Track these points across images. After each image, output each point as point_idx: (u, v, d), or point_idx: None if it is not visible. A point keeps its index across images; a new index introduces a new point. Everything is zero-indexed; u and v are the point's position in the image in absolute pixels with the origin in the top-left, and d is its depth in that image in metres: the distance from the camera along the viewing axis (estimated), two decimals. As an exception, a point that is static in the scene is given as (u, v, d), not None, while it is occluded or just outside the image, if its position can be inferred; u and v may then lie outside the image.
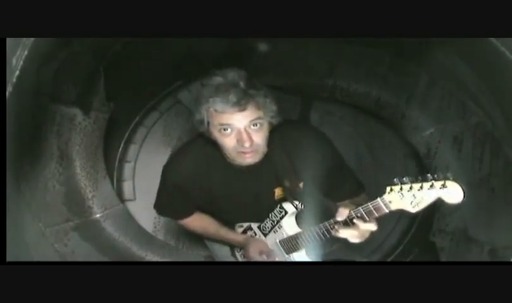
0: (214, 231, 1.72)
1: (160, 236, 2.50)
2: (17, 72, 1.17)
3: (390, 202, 1.11)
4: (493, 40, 1.26)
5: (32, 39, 1.19)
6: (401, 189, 1.08)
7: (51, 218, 1.94)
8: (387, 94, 2.31)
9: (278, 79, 2.44)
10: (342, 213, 1.21)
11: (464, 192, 1.02)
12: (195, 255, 2.45)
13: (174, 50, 2.10)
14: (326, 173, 1.41)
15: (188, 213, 1.70)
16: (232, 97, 1.22)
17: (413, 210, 1.09)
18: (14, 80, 1.17)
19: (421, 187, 1.05)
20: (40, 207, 1.90)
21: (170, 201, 1.64)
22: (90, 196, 2.15)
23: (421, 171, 2.44)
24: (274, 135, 1.38)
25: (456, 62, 1.81)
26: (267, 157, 1.39)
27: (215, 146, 1.41)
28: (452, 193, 1.03)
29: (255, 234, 1.67)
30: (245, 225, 1.70)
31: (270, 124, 1.34)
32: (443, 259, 2.14)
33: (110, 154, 2.37)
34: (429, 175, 1.06)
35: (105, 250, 2.13)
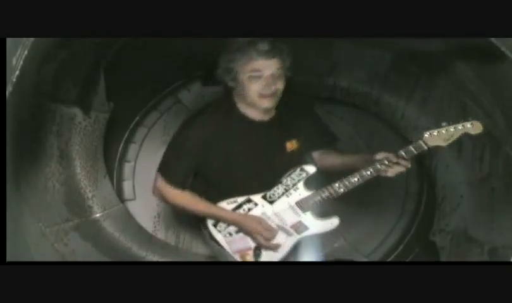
0: (203, 208, 1.66)
1: (160, 235, 2.49)
2: (17, 72, 1.18)
3: (429, 141, 1.47)
4: (493, 40, 1.26)
5: (32, 39, 1.19)
6: (438, 131, 1.46)
7: (51, 218, 1.94)
8: (387, 94, 2.31)
9: (278, 79, 2.43)
10: (381, 154, 1.57)
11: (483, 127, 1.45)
12: (195, 255, 2.45)
13: (174, 50, 2.10)
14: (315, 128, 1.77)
15: (186, 179, 1.67)
16: (264, 46, 1.50)
17: (445, 144, 1.47)
18: (14, 80, 1.18)
19: (455, 128, 1.45)
20: (40, 207, 1.90)
21: (176, 163, 1.64)
22: (90, 195, 2.15)
23: (421, 170, 2.45)
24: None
25: (456, 62, 1.81)
26: (277, 115, 1.65)
27: (227, 108, 1.64)
28: (476, 128, 1.45)
29: (255, 205, 1.62)
30: (240, 199, 1.63)
31: (285, 76, 1.59)
32: (443, 258, 2.14)
33: (110, 154, 2.36)
34: None
35: (105, 250, 2.13)
